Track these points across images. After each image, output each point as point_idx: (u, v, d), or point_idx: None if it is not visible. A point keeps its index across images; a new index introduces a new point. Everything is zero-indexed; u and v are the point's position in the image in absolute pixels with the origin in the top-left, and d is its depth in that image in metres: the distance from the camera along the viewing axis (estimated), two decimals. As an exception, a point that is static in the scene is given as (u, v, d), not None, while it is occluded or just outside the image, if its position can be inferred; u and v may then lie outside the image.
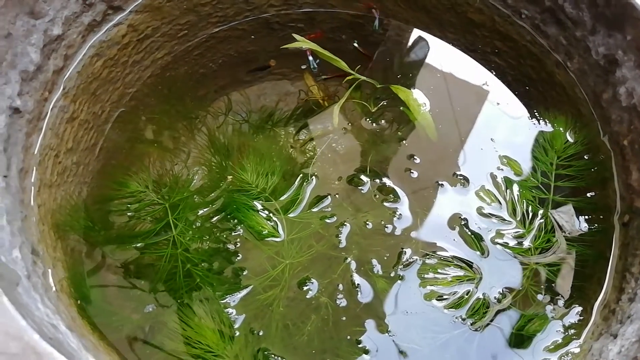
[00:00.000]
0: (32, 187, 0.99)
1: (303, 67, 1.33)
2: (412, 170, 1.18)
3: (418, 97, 1.26)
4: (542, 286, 1.07)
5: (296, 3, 1.38)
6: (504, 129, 1.24)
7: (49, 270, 0.95)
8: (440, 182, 1.17)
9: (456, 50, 1.35)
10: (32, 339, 0.70)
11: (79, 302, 0.98)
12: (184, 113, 1.26)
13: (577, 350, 1.00)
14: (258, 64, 1.35)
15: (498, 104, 1.27)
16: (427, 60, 1.35)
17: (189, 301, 1.02)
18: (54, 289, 0.93)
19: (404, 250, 1.09)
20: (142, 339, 0.99)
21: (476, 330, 1.02)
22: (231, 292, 1.03)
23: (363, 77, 1.27)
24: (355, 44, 1.36)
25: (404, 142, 1.22)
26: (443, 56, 1.35)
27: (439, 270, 1.07)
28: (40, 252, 0.94)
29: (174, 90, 1.29)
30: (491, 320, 1.03)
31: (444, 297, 1.05)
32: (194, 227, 1.09)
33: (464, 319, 1.03)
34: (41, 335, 0.70)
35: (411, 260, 1.08)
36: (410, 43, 1.37)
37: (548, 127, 1.22)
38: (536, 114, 1.25)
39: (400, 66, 1.35)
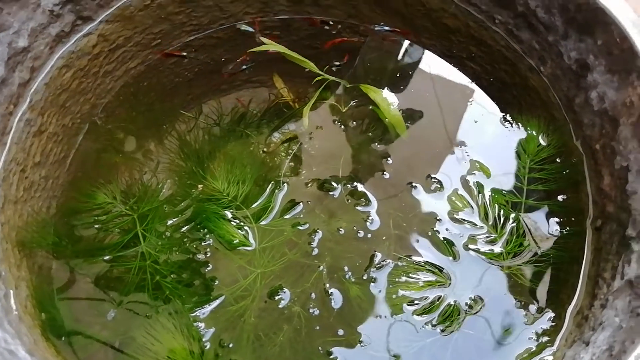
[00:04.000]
0: (-5, 205, 0.93)
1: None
2: (384, 172, 1.12)
3: (387, 97, 1.20)
4: (514, 291, 1.00)
5: (272, 10, 1.32)
6: (477, 132, 1.17)
7: (11, 291, 0.88)
8: (413, 184, 1.10)
9: (432, 54, 1.28)
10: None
11: (44, 322, 0.92)
12: (156, 122, 1.19)
13: (551, 358, 0.94)
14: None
15: (472, 108, 1.21)
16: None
17: (158, 315, 0.95)
18: (15, 311, 0.86)
19: (375, 253, 1.03)
20: (111, 355, 0.93)
21: (448, 335, 0.96)
22: (201, 304, 0.96)
23: (332, 77, 1.21)
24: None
25: (375, 143, 1.16)
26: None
27: (411, 275, 1.01)
28: (2, 273, 0.87)
29: (147, 100, 1.22)
30: (461, 326, 0.97)
31: (415, 302, 0.99)
32: (163, 237, 1.02)
33: (434, 325, 0.96)
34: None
35: (383, 263, 1.02)
36: (402, 50, 1.30)
37: (522, 131, 1.15)
38: (510, 118, 1.18)
39: (391, 70, 1.28)
